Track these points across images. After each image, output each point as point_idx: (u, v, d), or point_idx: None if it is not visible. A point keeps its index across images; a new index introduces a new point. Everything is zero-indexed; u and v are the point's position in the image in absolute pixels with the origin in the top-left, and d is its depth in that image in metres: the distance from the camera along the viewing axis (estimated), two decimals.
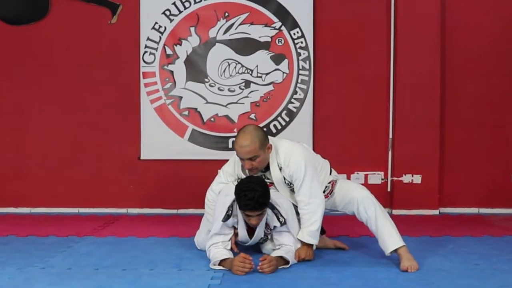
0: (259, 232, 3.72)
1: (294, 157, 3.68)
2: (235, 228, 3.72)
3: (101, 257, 3.88)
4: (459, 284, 3.24)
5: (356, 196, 3.74)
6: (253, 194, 3.42)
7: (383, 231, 3.65)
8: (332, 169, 4.00)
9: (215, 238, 3.64)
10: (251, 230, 3.71)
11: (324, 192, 3.82)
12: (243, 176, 3.76)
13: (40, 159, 5.75)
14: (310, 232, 3.67)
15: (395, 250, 3.60)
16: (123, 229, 4.83)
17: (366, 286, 3.21)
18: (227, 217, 3.63)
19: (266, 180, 3.73)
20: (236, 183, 3.70)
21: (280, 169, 3.70)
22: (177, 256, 3.91)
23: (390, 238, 3.63)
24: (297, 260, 3.63)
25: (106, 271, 3.51)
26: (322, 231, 3.98)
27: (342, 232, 4.51)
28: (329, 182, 3.88)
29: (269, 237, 3.81)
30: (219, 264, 3.53)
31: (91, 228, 4.86)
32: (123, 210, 5.72)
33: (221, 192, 3.79)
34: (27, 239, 4.45)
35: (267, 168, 3.73)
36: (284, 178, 3.71)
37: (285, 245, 3.67)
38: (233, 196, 3.60)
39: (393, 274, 3.45)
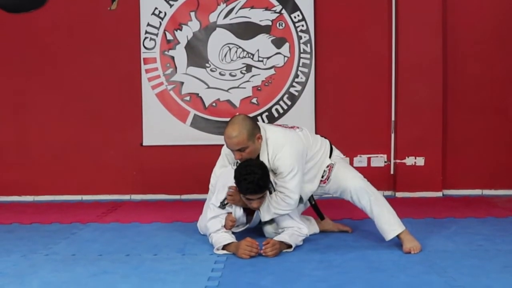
0: (258, 215, 3.73)
1: (281, 153, 3.59)
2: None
3: (104, 243, 3.90)
4: (463, 265, 3.25)
5: (349, 186, 3.71)
6: (253, 178, 3.41)
7: (380, 220, 3.64)
8: (335, 149, 3.96)
9: (215, 223, 3.64)
10: (250, 211, 3.70)
11: (322, 177, 3.80)
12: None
13: (43, 147, 5.76)
14: (271, 212, 3.61)
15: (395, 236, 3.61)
16: (126, 215, 4.84)
17: (369, 269, 3.22)
18: (223, 206, 3.64)
19: None
20: (234, 166, 3.69)
21: (268, 161, 3.63)
22: (181, 241, 3.92)
23: (387, 227, 3.62)
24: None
25: (110, 257, 3.52)
26: (321, 216, 3.98)
27: (346, 215, 4.51)
28: (327, 166, 3.83)
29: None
30: (223, 249, 3.53)
31: (95, 214, 4.87)
32: (126, 197, 5.73)
33: (221, 177, 3.78)
34: (31, 227, 4.46)
35: (258, 157, 3.67)
36: (272, 170, 3.65)
37: (287, 227, 3.67)
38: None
39: (396, 256, 3.45)
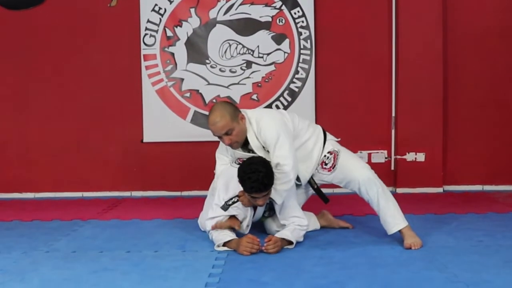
0: (260, 210, 3.73)
1: (264, 123, 3.64)
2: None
3: (105, 240, 3.90)
4: (463, 260, 3.24)
5: (358, 176, 3.70)
6: (257, 176, 3.39)
7: (385, 213, 3.64)
8: (329, 134, 3.93)
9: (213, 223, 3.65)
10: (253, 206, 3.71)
11: (326, 165, 3.80)
12: (238, 151, 3.75)
13: (43, 144, 5.76)
14: (279, 191, 3.58)
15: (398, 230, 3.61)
16: (127, 212, 4.84)
17: (370, 264, 3.22)
18: (227, 207, 3.65)
19: (252, 154, 3.71)
20: (235, 164, 3.68)
21: (257, 138, 3.66)
22: (181, 237, 3.92)
23: (392, 220, 3.62)
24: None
25: (111, 254, 3.52)
26: (325, 199, 3.96)
27: (346, 211, 4.51)
28: (329, 153, 3.81)
29: (270, 213, 3.80)
30: (223, 245, 3.53)
31: (95, 211, 4.87)
32: (126, 193, 5.74)
33: (222, 176, 3.76)
34: (32, 224, 4.47)
35: (247, 141, 3.70)
36: (263, 147, 3.67)
37: (289, 220, 3.66)
38: (234, 193, 3.60)
39: (397, 252, 3.45)
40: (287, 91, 5.61)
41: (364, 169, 3.75)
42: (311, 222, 3.93)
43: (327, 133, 3.95)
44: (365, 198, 3.71)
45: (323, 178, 3.87)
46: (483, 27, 5.60)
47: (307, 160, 3.79)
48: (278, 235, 3.57)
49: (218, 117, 3.59)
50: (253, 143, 3.68)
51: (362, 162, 3.87)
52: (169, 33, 5.61)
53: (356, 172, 3.73)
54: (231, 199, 3.63)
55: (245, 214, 3.68)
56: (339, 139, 3.98)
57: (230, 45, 5.60)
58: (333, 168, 3.79)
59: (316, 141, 3.84)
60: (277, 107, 5.59)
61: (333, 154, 3.81)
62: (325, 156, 3.82)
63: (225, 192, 3.65)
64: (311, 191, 3.97)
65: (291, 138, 3.66)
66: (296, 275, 3.05)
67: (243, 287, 2.89)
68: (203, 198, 4.14)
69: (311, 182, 3.88)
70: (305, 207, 4.00)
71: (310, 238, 3.75)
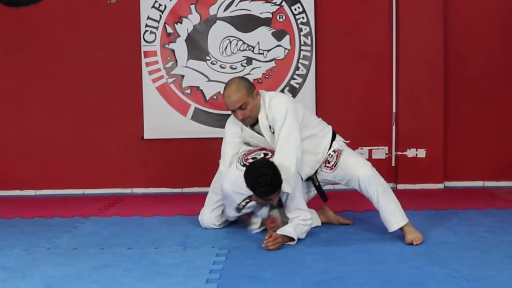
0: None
1: (275, 101, 3.68)
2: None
3: (106, 237, 3.90)
4: (464, 256, 3.25)
5: (358, 174, 3.69)
6: (266, 180, 3.37)
7: (385, 211, 3.64)
8: (338, 136, 3.96)
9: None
10: None
11: (329, 163, 3.81)
12: (246, 129, 3.77)
13: (44, 141, 5.76)
14: (286, 176, 3.52)
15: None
16: (128, 209, 4.84)
17: (371, 261, 3.22)
18: (239, 210, 3.73)
19: (257, 135, 3.74)
20: (240, 166, 3.67)
21: (267, 117, 3.69)
22: (182, 234, 3.92)
23: (392, 218, 3.62)
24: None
25: (112, 251, 3.52)
26: (324, 198, 3.95)
27: (347, 208, 4.51)
28: (334, 151, 3.83)
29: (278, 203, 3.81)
30: None
31: (96, 208, 4.87)
32: (127, 190, 5.74)
33: (226, 182, 3.71)
34: (33, 221, 4.47)
35: (256, 121, 3.73)
36: (270, 126, 3.69)
37: (294, 217, 3.65)
38: (243, 195, 3.61)
39: (398, 248, 3.45)
40: (287, 88, 5.60)
41: (364, 167, 3.74)
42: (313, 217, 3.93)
43: (337, 135, 3.96)
44: (365, 195, 3.71)
45: (325, 177, 3.88)
46: (483, 23, 5.58)
47: (311, 154, 3.80)
48: (280, 231, 3.58)
49: (234, 90, 3.63)
50: (262, 122, 3.70)
51: (364, 160, 3.87)
52: (169, 30, 5.61)
53: (356, 170, 3.72)
54: (243, 200, 3.64)
55: (260, 209, 3.74)
56: (348, 141, 3.99)
57: (230, 42, 5.60)
58: (334, 166, 3.80)
59: (323, 137, 3.85)
60: None
61: (336, 152, 3.83)
62: (329, 154, 3.83)
63: (236, 198, 3.67)
64: (313, 193, 3.97)
65: (298, 122, 3.69)
66: (297, 271, 3.05)
67: (244, 283, 2.89)
68: (204, 194, 4.14)
69: (313, 179, 3.88)
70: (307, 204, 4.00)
71: (311, 235, 3.75)
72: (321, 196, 3.95)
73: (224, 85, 5.49)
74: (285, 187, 3.50)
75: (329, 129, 3.93)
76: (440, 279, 2.88)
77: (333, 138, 3.89)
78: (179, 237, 3.83)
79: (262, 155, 3.70)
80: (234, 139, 3.87)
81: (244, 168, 3.54)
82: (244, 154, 3.76)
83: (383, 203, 3.63)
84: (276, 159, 3.55)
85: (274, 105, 3.66)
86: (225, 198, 3.79)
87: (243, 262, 3.23)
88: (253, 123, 3.76)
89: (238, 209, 3.72)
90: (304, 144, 3.72)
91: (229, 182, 3.66)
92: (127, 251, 3.51)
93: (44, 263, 3.28)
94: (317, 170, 3.86)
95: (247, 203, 3.65)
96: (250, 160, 3.65)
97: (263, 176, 3.38)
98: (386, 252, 3.38)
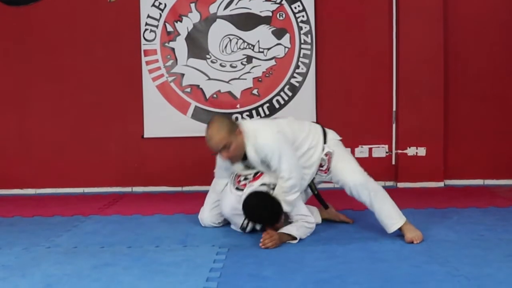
0: None
1: (263, 138, 3.58)
2: None
3: (106, 235, 3.90)
4: (465, 254, 3.24)
5: (348, 182, 3.68)
6: (266, 213, 3.48)
7: (380, 214, 3.64)
8: (329, 132, 3.90)
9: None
10: None
11: (322, 167, 3.77)
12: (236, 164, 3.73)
13: (44, 140, 5.76)
14: (288, 201, 3.57)
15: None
16: (128, 208, 4.84)
17: (371, 259, 3.22)
18: (244, 229, 3.77)
19: (248, 171, 3.70)
20: (233, 189, 3.69)
21: (256, 151, 3.60)
22: (182, 232, 3.92)
23: (389, 220, 3.62)
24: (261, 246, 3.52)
25: (112, 249, 3.52)
26: (325, 206, 3.98)
27: (347, 206, 4.50)
28: (325, 155, 3.77)
29: None
30: None
31: (96, 207, 4.87)
32: (127, 189, 5.74)
33: (224, 206, 3.79)
34: (33, 220, 4.47)
35: (245, 156, 3.64)
36: (261, 160, 3.62)
37: (297, 219, 3.66)
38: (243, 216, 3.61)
39: (398, 246, 3.45)
40: (287, 86, 5.60)
41: (354, 174, 3.71)
42: (313, 216, 3.94)
43: (329, 132, 3.90)
44: (359, 201, 3.72)
45: (322, 179, 3.89)
46: (484, 22, 5.58)
47: (307, 168, 3.76)
48: (284, 230, 3.58)
49: (215, 130, 3.56)
50: (252, 158, 3.63)
51: (354, 164, 3.80)
52: (170, 28, 5.61)
53: (346, 177, 3.70)
54: (242, 223, 3.70)
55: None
56: (341, 138, 3.95)
57: (230, 40, 5.59)
58: (328, 170, 3.78)
59: (315, 148, 3.78)
60: (278, 102, 5.58)
61: (328, 156, 3.78)
62: (322, 158, 3.78)
63: (236, 219, 3.72)
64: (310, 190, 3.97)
65: (292, 149, 3.64)
66: (297, 270, 3.05)
67: (244, 281, 2.89)
68: (204, 193, 4.14)
69: (311, 187, 3.88)
70: (307, 201, 4.01)
71: (312, 233, 3.75)
72: (322, 204, 3.97)
73: (225, 83, 5.58)
74: (285, 208, 3.57)
75: (318, 136, 3.82)
76: (440, 277, 2.88)
77: (325, 139, 3.82)
78: (179, 236, 3.83)
79: (252, 175, 3.68)
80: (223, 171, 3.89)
81: (238, 192, 3.61)
82: (236, 174, 3.76)
83: (377, 207, 3.63)
84: (283, 188, 3.56)
85: (263, 144, 3.56)
86: (228, 219, 3.88)
87: (243, 261, 3.23)
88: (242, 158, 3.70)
89: (243, 229, 3.76)
90: (302, 160, 3.71)
91: (227, 207, 3.72)
92: (127, 250, 3.51)
93: (44, 262, 3.28)
94: (313, 180, 3.86)
95: (248, 223, 3.69)
96: (243, 182, 3.67)
97: (260, 210, 3.46)
98: (386, 251, 3.37)
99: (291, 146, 3.64)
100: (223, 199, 3.80)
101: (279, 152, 3.54)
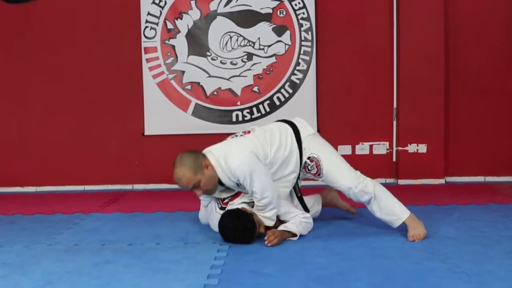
0: None
1: (232, 162, 3.48)
2: None
3: (107, 233, 3.90)
4: (465, 251, 3.24)
5: (341, 187, 3.66)
6: (240, 231, 3.44)
7: (381, 213, 3.62)
8: (301, 128, 3.71)
9: None
10: None
11: (310, 171, 3.69)
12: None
13: (45, 138, 5.76)
14: (267, 217, 3.55)
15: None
16: (128, 205, 4.84)
17: (373, 255, 3.21)
18: None
19: (228, 194, 3.68)
20: (219, 209, 3.67)
21: (229, 178, 3.53)
22: (183, 230, 3.92)
23: (391, 217, 3.61)
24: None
25: (113, 247, 3.52)
26: (307, 210, 3.86)
27: (347, 202, 4.50)
28: (310, 159, 3.66)
29: None
30: None
31: (97, 205, 4.88)
32: (128, 187, 5.74)
33: (213, 226, 3.76)
34: (34, 217, 4.47)
35: (221, 182, 3.59)
36: (237, 183, 3.56)
37: (293, 216, 3.66)
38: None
39: (399, 243, 3.45)
40: (288, 83, 5.59)
41: (346, 181, 3.63)
42: (316, 203, 3.98)
43: (300, 128, 3.73)
44: (357, 202, 3.72)
45: (314, 179, 3.80)
46: (484, 19, 5.57)
47: (286, 176, 3.69)
48: (283, 227, 3.58)
49: (180, 173, 3.51)
50: (227, 183, 3.58)
51: (343, 167, 3.69)
52: (170, 26, 5.60)
53: (339, 182, 3.66)
54: None
55: None
56: (314, 132, 3.79)
57: (231, 37, 5.59)
58: (319, 175, 3.70)
59: (290, 157, 3.66)
60: (278, 99, 5.58)
61: (314, 162, 3.67)
62: (305, 162, 3.69)
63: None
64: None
65: (264, 168, 3.53)
66: (298, 266, 3.05)
67: (245, 278, 2.89)
68: None
69: (295, 189, 3.79)
70: (307, 191, 4.01)
71: (312, 230, 3.74)
72: (304, 208, 3.81)
73: (225, 81, 5.57)
74: (267, 223, 3.56)
75: (291, 140, 3.67)
76: (441, 274, 2.88)
77: (299, 139, 3.68)
78: (180, 233, 3.83)
79: (233, 194, 3.69)
80: None
81: (222, 212, 3.59)
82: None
83: (378, 208, 3.62)
84: (259, 206, 3.54)
85: (233, 168, 3.47)
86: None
87: (244, 258, 3.22)
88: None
89: None
90: (276, 175, 3.64)
91: (214, 227, 3.69)
92: (128, 247, 3.51)
93: (45, 259, 3.28)
94: (297, 181, 3.77)
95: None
96: (226, 200, 3.68)
97: (234, 229, 3.44)
98: (387, 247, 3.37)
99: (263, 164, 3.54)
100: (210, 220, 3.81)
101: (250, 173, 3.45)
